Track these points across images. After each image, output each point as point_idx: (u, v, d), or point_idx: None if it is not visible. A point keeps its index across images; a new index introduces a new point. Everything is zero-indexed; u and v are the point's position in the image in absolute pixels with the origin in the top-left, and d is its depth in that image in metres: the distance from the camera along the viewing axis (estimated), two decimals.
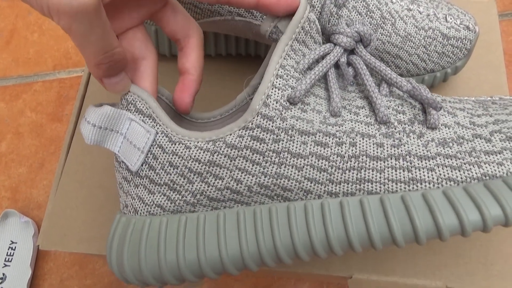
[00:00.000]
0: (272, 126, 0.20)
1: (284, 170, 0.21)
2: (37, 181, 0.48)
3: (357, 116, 0.21)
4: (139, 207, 0.22)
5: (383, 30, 0.29)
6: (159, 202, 0.22)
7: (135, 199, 0.23)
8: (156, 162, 0.22)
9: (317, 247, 0.20)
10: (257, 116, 0.20)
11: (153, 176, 0.22)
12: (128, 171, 0.22)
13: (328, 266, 0.28)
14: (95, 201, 0.31)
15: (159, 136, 0.21)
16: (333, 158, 0.20)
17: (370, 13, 0.29)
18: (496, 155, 0.20)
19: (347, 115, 0.21)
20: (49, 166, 0.48)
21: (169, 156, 0.21)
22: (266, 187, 0.21)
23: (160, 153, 0.21)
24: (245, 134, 0.20)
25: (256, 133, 0.20)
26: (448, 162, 0.20)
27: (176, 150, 0.21)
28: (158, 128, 0.21)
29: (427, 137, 0.20)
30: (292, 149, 0.20)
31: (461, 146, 0.20)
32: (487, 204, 0.18)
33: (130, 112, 0.22)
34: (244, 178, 0.21)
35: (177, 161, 0.21)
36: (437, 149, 0.20)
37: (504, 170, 0.20)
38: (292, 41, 0.21)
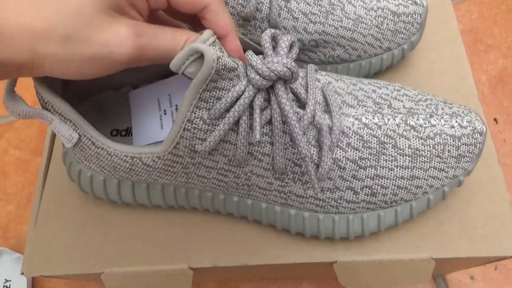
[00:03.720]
0: (182, 160, 0.24)
1: (192, 181, 0.26)
2: (25, 216, 0.48)
3: (259, 162, 0.24)
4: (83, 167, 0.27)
5: (334, 16, 0.30)
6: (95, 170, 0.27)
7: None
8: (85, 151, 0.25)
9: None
10: (169, 154, 0.23)
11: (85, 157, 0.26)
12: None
13: (312, 254, 0.28)
14: (75, 223, 0.31)
15: (82, 140, 0.24)
16: (231, 183, 0.25)
17: (318, 1, 0.30)
18: (354, 204, 0.26)
19: (251, 160, 0.24)
20: None
21: (92, 156, 0.25)
22: (185, 182, 0.26)
23: (87, 149, 0.25)
24: (159, 160, 0.24)
25: (169, 163, 0.24)
26: (316, 202, 0.26)
27: (99, 153, 0.24)
28: (80, 132, 0.24)
29: (309, 185, 0.25)
30: (199, 173, 0.25)
31: (332, 194, 0.25)
32: (325, 230, 0.27)
33: (49, 112, 0.23)
34: (160, 180, 0.26)
35: (103, 157, 0.25)
36: (312, 193, 0.25)
37: (354, 211, 0.26)
38: (200, 94, 0.21)
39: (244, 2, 0.28)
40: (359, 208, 0.26)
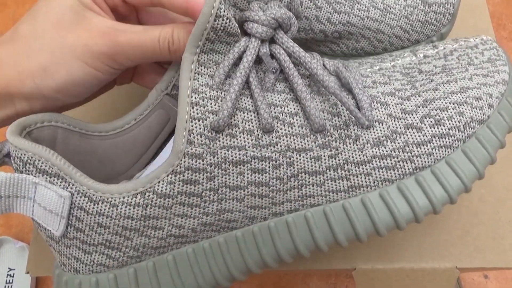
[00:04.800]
0: (203, 164, 0.19)
1: (225, 205, 0.20)
2: None
3: (291, 128, 0.20)
4: (79, 267, 0.20)
5: (360, 6, 0.27)
6: (100, 261, 0.20)
7: (71, 259, 0.20)
8: (82, 224, 0.19)
9: (269, 263, 0.21)
10: (184, 157, 0.18)
11: (84, 237, 0.19)
12: (52, 232, 0.20)
13: (331, 260, 0.27)
14: None
15: (77, 198, 0.18)
16: (273, 182, 0.20)
17: None
18: (426, 145, 0.20)
19: (280, 129, 0.20)
20: None
21: (94, 217, 0.19)
22: (210, 224, 0.20)
23: (84, 215, 0.19)
24: (175, 179, 0.19)
25: (188, 176, 0.19)
26: (383, 163, 0.20)
27: (101, 210, 0.19)
28: (72, 189, 0.18)
29: (363, 139, 0.20)
30: (229, 183, 0.19)
31: (394, 143, 0.20)
32: (416, 198, 0.20)
33: (31, 174, 0.18)
34: (185, 223, 0.20)
35: (106, 221, 0.19)
36: (372, 151, 0.20)
37: (432, 159, 0.20)
38: (198, 55, 0.19)
39: None
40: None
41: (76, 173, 0.19)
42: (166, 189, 0.19)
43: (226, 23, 0.18)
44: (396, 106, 0.21)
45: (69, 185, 0.18)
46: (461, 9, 0.32)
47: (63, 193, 0.18)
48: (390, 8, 0.28)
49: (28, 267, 0.29)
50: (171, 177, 0.19)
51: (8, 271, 0.44)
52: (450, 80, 0.22)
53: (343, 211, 0.20)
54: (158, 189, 0.19)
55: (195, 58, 0.19)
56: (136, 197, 0.19)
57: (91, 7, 0.20)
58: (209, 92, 0.19)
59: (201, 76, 0.19)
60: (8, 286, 0.43)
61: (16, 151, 0.18)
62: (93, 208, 0.19)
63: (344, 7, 0.27)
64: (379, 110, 0.21)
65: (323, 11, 0.27)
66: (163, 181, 0.19)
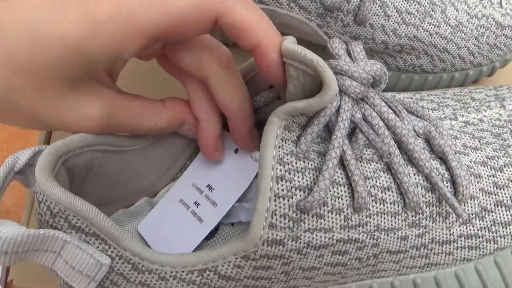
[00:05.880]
0: (282, 251, 0.15)
1: (292, 283, 0.17)
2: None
3: (383, 206, 0.17)
4: None
5: (432, 19, 0.24)
6: None
7: None
8: None
9: None
10: (262, 244, 0.15)
11: None
12: None
13: None
14: None
15: (117, 263, 0.15)
16: (351, 263, 0.17)
17: None
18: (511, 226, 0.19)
19: (372, 206, 0.17)
20: None
21: (136, 286, 0.16)
22: None
23: (123, 282, 0.15)
24: (245, 264, 0.16)
25: (261, 263, 0.16)
26: (468, 243, 0.18)
27: (146, 281, 0.15)
28: (113, 253, 0.15)
29: (452, 217, 0.18)
30: (305, 265, 0.16)
31: (482, 221, 0.18)
32: (490, 277, 0.18)
33: (61, 229, 0.14)
34: None
35: None
36: (460, 230, 0.18)
37: None
38: (285, 120, 0.15)
39: None
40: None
41: (121, 235, 0.15)
42: (231, 272, 0.16)
43: None
44: (488, 179, 0.19)
45: (110, 248, 0.15)
46: None
47: (101, 260, 0.14)
48: (462, 26, 0.24)
49: (11, 275, 0.25)
50: (240, 261, 0.15)
51: None
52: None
53: (412, 286, 0.18)
54: (221, 270, 0.16)
55: (283, 124, 0.15)
56: (192, 274, 0.15)
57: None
58: (296, 163, 0.15)
59: (285, 143, 0.15)
60: None
61: (45, 200, 0.14)
62: (137, 277, 0.15)
63: (415, 19, 0.24)
64: (472, 184, 0.18)
65: (391, 21, 0.23)
66: (230, 262, 0.15)
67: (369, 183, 0.16)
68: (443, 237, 0.18)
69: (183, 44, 0.16)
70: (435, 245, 0.18)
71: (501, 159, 0.19)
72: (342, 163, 0.16)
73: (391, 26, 0.24)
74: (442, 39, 0.24)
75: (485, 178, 0.19)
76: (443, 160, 0.18)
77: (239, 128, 0.18)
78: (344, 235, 0.16)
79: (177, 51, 0.16)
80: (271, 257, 0.15)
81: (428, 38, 0.24)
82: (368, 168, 0.17)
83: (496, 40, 0.25)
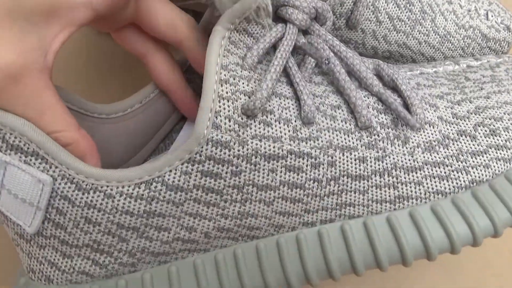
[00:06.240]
0: (228, 155, 0.15)
1: (249, 208, 0.16)
2: None
3: (334, 122, 0.17)
4: (54, 275, 0.16)
5: (422, 28, 0.24)
6: (83, 268, 0.16)
7: (44, 264, 0.16)
8: (65, 218, 0.15)
9: (293, 284, 0.17)
10: (207, 144, 0.15)
11: (64, 236, 0.15)
12: (23, 228, 0.16)
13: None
14: None
15: (60, 184, 0.14)
16: (309, 185, 0.16)
17: (409, 5, 0.24)
18: (482, 156, 0.18)
19: (322, 121, 0.17)
20: None
21: (82, 210, 0.15)
22: (227, 230, 0.17)
23: (68, 207, 0.15)
24: (192, 169, 0.15)
25: (208, 167, 0.15)
26: (436, 171, 0.18)
27: (91, 201, 0.15)
28: (55, 172, 0.14)
29: (413, 142, 0.18)
30: (258, 181, 0.16)
31: (447, 149, 0.18)
32: (475, 216, 0.17)
33: (1, 152, 0.14)
34: (198, 225, 0.16)
35: (97, 216, 0.15)
36: (424, 157, 0.18)
37: (490, 172, 0.18)
38: (230, 32, 0.16)
39: None
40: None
41: (61, 152, 0.14)
42: (179, 181, 0.15)
43: (267, 1, 0.17)
44: (446, 110, 0.19)
45: (50, 168, 0.14)
46: None
47: (42, 177, 0.14)
48: (450, 37, 0.25)
49: None
50: (187, 166, 0.15)
51: None
52: (501, 90, 0.20)
53: (387, 225, 0.17)
54: (169, 180, 0.15)
55: (226, 34, 0.16)
56: (139, 188, 0.15)
57: None
58: (241, 71, 0.16)
59: (231, 55, 0.16)
60: None
61: None
62: (82, 198, 0.15)
63: (405, 26, 0.24)
64: (428, 111, 0.18)
65: (382, 27, 0.24)
66: (176, 170, 0.15)
67: (318, 100, 0.17)
68: (406, 162, 0.17)
69: (158, 10, 0.18)
70: (399, 171, 0.17)
71: (458, 96, 0.20)
72: (291, 83, 0.17)
73: (382, 32, 0.24)
74: (430, 48, 0.25)
75: (442, 108, 0.19)
76: (395, 89, 0.18)
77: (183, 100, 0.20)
78: (294, 147, 0.16)
79: (153, 18, 0.18)
80: (218, 160, 0.15)
81: (417, 46, 0.25)
82: (317, 89, 0.18)
83: (481, 52, 0.26)
